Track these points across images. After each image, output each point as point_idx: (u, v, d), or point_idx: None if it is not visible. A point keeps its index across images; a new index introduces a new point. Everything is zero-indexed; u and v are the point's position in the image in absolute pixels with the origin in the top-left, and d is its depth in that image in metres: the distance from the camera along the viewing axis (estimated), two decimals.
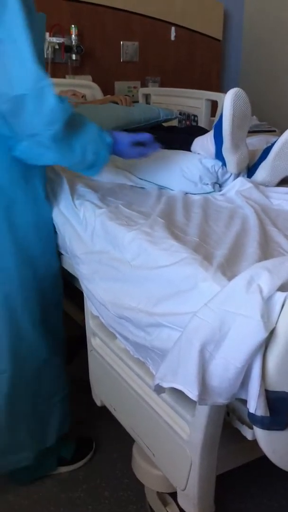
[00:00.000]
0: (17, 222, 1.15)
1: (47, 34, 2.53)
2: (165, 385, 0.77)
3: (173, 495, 1.16)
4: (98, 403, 1.33)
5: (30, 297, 1.22)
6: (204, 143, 1.36)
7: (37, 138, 1.01)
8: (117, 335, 1.04)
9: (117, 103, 1.95)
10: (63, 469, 1.47)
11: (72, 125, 1.03)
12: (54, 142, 1.01)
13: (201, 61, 3.19)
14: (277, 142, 1.26)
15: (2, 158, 1.09)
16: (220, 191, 1.30)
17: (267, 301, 0.69)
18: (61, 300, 1.33)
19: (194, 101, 2.19)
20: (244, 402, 0.72)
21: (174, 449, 0.98)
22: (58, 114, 0.99)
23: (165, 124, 1.98)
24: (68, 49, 2.62)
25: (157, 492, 1.24)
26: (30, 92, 0.95)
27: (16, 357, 1.24)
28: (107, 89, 2.71)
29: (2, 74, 0.94)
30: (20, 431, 1.34)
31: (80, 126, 1.06)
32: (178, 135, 1.65)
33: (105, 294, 1.02)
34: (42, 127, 0.99)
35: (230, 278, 0.76)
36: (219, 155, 1.29)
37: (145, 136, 1.20)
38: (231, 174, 1.31)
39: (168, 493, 1.23)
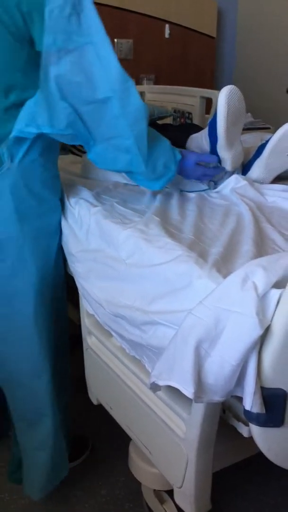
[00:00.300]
0: (46, 225, 1.14)
1: None
2: (161, 383, 0.77)
3: (170, 493, 1.16)
4: (94, 402, 1.32)
5: (48, 300, 1.20)
6: (198, 141, 1.36)
7: (114, 141, 1.01)
8: (113, 333, 1.04)
9: None
10: None
11: (148, 133, 1.03)
12: (136, 143, 1.00)
13: (196, 59, 3.19)
14: (271, 139, 1.25)
15: (37, 161, 1.07)
16: (215, 188, 1.30)
17: (262, 298, 0.69)
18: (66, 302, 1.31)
19: (188, 98, 2.19)
20: (240, 399, 0.73)
21: (170, 447, 0.99)
22: (142, 113, 0.99)
23: (159, 122, 1.97)
24: None
25: (154, 490, 1.24)
26: (116, 94, 0.95)
27: (49, 361, 1.23)
28: None
29: (84, 78, 0.94)
30: (62, 438, 1.32)
31: (155, 136, 1.07)
32: (172, 133, 1.64)
33: (100, 293, 1.02)
34: (126, 128, 0.99)
35: (225, 276, 0.76)
36: (213, 153, 1.29)
37: (212, 158, 1.21)
38: (226, 171, 1.31)
39: (165, 491, 1.23)
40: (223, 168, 1.25)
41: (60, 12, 0.90)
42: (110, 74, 0.95)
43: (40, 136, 1.03)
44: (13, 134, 0.99)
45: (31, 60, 0.98)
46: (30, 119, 0.98)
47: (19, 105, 1.00)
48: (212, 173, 1.21)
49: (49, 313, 1.19)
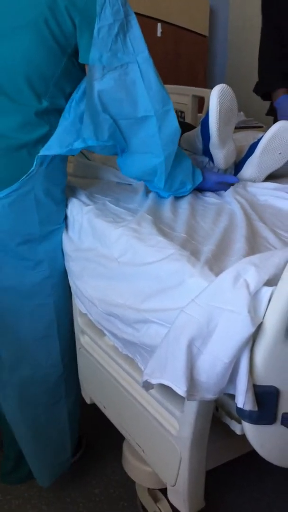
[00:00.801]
0: (60, 229, 1.15)
1: None
2: (154, 381, 0.77)
3: (164, 491, 1.16)
4: (88, 401, 1.32)
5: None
6: (191, 140, 1.36)
7: (144, 156, 1.05)
8: (106, 332, 1.04)
9: None
10: None
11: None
12: (164, 163, 1.04)
13: (188, 57, 3.19)
14: (263, 137, 1.26)
15: (59, 167, 1.09)
16: None
17: (254, 296, 0.69)
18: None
19: (181, 97, 2.19)
20: (233, 397, 0.73)
21: (164, 445, 0.99)
22: (177, 136, 1.04)
23: None
24: None
25: (148, 488, 1.24)
26: (157, 114, 0.99)
27: (66, 359, 1.27)
28: None
29: (125, 95, 0.98)
30: (66, 431, 1.35)
31: (178, 154, 1.09)
32: None
33: (93, 291, 1.02)
34: (159, 147, 1.02)
35: (217, 274, 0.76)
36: (206, 151, 1.29)
37: (233, 180, 1.24)
38: (219, 170, 1.31)
39: (159, 490, 1.23)
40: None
41: (109, 31, 0.94)
42: (153, 94, 0.98)
43: None
44: (60, 152, 1.02)
45: (66, 72, 1.01)
46: (77, 135, 1.01)
47: (50, 111, 1.02)
48: (226, 188, 1.23)
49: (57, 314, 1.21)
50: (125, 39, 0.96)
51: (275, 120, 1.85)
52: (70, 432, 1.36)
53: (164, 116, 1.00)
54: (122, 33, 0.95)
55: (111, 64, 0.95)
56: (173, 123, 1.01)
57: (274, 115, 1.94)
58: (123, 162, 1.09)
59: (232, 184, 1.24)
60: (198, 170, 1.16)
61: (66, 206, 1.16)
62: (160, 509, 1.22)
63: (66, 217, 1.16)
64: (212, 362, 0.70)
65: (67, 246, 1.12)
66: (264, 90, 1.91)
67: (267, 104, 2.04)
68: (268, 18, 1.89)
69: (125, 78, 0.97)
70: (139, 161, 1.07)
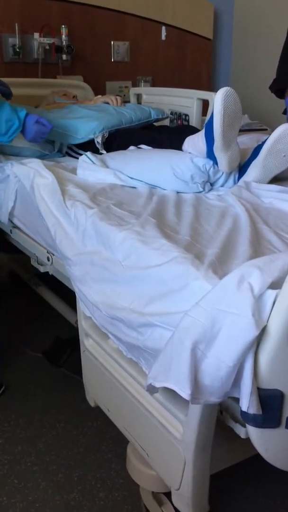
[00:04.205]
0: None
1: (37, 34, 2.52)
2: (158, 384, 0.77)
3: (168, 495, 1.16)
4: (92, 404, 1.32)
5: None
6: (195, 142, 1.36)
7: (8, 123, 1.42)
8: (110, 336, 1.04)
9: (108, 103, 1.95)
10: None
11: None
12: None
13: (192, 61, 3.19)
14: (267, 140, 1.26)
15: None
16: (211, 190, 1.30)
17: (258, 299, 0.69)
18: None
19: (185, 100, 2.19)
20: (237, 400, 0.72)
21: (168, 449, 0.98)
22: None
23: (156, 124, 1.98)
24: (58, 49, 2.61)
25: (152, 492, 1.24)
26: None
27: None
28: (98, 89, 2.71)
29: None
30: None
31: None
32: (169, 135, 1.65)
33: (97, 295, 1.02)
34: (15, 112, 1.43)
35: (221, 277, 0.76)
36: (210, 154, 1.29)
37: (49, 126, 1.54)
38: (223, 173, 1.31)
39: (163, 493, 1.23)
40: (51, 125, 1.53)
41: None
42: None
43: None
44: None
45: None
46: None
47: None
48: (46, 130, 1.51)
49: None
50: None
51: None
52: None
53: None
54: None
55: None
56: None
57: None
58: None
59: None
60: (19, 108, 1.46)
61: None
62: None
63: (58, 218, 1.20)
64: (216, 366, 0.70)
65: (68, 251, 1.12)
66: (277, 87, 1.91)
67: (272, 107, 2.03)
68: None
69: None
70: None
